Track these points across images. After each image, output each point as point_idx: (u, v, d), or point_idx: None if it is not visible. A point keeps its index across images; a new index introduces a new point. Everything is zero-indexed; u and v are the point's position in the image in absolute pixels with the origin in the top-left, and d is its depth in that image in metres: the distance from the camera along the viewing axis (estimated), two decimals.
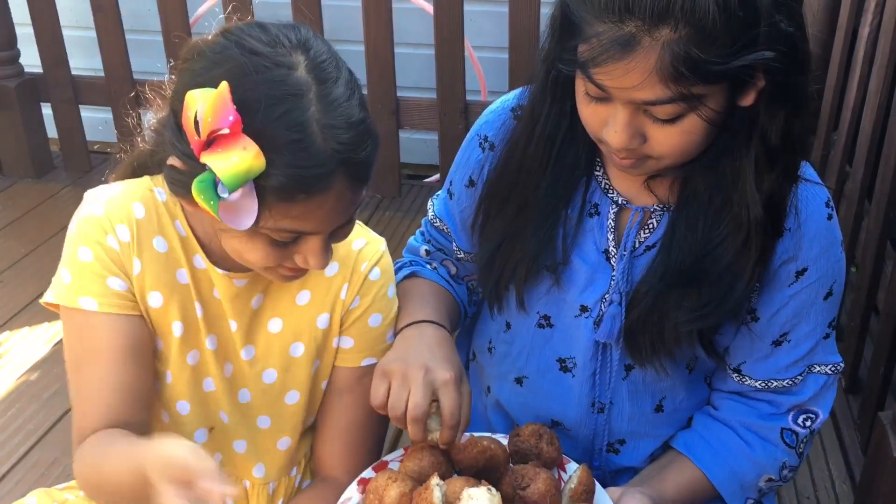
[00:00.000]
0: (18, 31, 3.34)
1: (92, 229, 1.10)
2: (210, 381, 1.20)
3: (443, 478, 1.07)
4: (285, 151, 0.95)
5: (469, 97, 3.13)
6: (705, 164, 1.08)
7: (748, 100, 1.02)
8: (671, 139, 1.02)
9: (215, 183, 0.95)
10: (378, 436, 1.30)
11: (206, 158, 0.94)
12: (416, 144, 3.52)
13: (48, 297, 1.12)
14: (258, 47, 0.98)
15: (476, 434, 1.22)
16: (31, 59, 3.38)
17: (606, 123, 1.03)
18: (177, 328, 1.15)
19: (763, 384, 1.22)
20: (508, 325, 1.30)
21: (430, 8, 3.11)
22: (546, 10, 2.85)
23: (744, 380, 1.23)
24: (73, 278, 1.10)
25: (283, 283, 1.16)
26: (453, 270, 1.38)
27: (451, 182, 1.33)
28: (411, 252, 1.41)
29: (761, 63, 0.96)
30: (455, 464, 1.13)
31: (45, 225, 3.06)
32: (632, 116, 1.01)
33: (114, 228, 1.10)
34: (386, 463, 1.20)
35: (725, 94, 0.99)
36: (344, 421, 1.26)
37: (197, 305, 1.16)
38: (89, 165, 3.46)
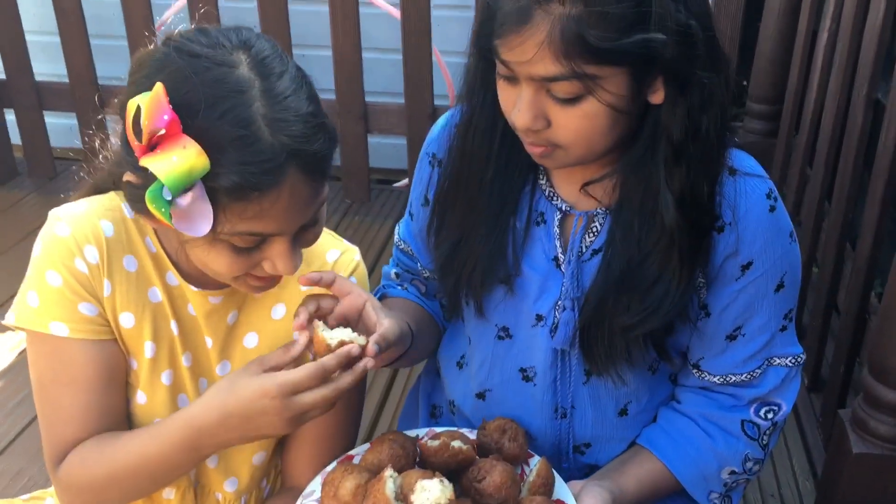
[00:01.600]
0: None
1: (59, 251, 1.07)
2: (184, 397, 1.18)
3: (401, 470, 1.07)
4: (231, 149, 0.93)
5: (437, 101, 3.14)
6: (632, 165, 1.09)
7: (657, 97, 1.03)
8: (573, 123, 1.02)
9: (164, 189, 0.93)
10: (347, 444, 1.29)
11: (147, 162, 0.92)
12: (385, 149, 3.53)
13: (12, 321, 1.09)
14: (198, 50, 0.97)
15: (448, 429, 1.22)
16: None
17: (514, 106, 1.04)
18: (148, 348, 1.13)
19: (722, 379, 1.23)
20: (470, 340, 1.31)
21: (396, 13, 3.12)
22: None
23: (703, 375, 1.24)
24: (41, 302, 1.07)
25: (256, 294, 1.14)
26: (423, 289, 1.39)
27: (410, 203, 1.35)
28: (385, 277, 1.43)
29: (657, 50, 0.97)
30: (428, 466, 1.13)
31: (9, 232, 3.02)
32: (534, 95, 1.01)
33: (81, 250, 1.07)
34: (351, 457, 1.20)
35: (627, 81, 1.00)
36: (314, 430, 1.24)
37: (173, 324, 1.14)
38: (54, 172, 3.42)
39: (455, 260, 1.23)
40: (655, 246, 1.10)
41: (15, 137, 3.44)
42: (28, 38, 3.27)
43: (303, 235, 1.05)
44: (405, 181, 3.48)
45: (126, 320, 1.11)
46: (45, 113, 3.37)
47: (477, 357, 1.30)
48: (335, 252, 1.23)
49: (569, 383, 1.24)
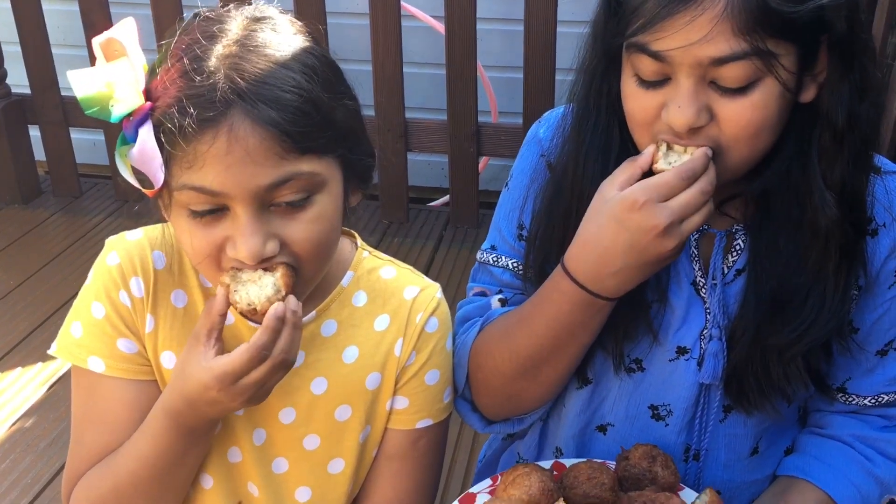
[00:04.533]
0: (5, 48, 3.19)
1: (106, 282, 1.03)
2: (236, 450, 1.08)
3: None
4: (174, 86, 0.88)
5: (480, 118, 3.01)
6: (775, 174, 1.01)
7: (809, 94, 0.97)
8: (742, 116, 0.93)
9: (125, 140, 0.90)
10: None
11: (72, 75, 0.89)
12: (420, 167, 3.40)
13: (54, 349, 1.06)
14: (211, 15, 0.94)
15: (578, 461, 1.12)
16: (18, 78, 3.23)
17: (661, 108, 0.95)
18: None
19: (873, 400, 1.13)
20: (587, 380, 1.17)
21: (440, 27, 2.99)
22: (564, 28, 2.77)
23: (850, 399, 1.14)
24: (83, 335, 1.03)
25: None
26: None
27: (520, 226, 1.19)
28: (483, 309, 1.20)
29: (829, 20, 0.91)
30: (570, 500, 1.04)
31: (34, 254, 2.89)
32: (696, 87, 0.93)
33: (128, 282, 1.03)
34: (473, 496, 1.09)
35: (795, 63, 0.93)
36: (393, 490, 1.14)
37: None
38: (79, 190, 3.29)
39: None
40: (805, 254, 1.02)
41: (37, 153, 3.32)
42: (54, 51, 3.16)
43: (278, 221, 0.91)
44: (444, 199, 3.35)
45: (167, 360, 1.04)
46: (70, 129, 3.25)
47: (600, 389, 1.17)
48: (413, 289, 1.11)
49: (706, 423, 1.14)
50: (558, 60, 2.81)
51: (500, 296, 1.21)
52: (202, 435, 1.00)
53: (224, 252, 0.92)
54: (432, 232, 3.12)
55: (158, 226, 1.07)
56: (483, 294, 1.22)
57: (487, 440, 1.41)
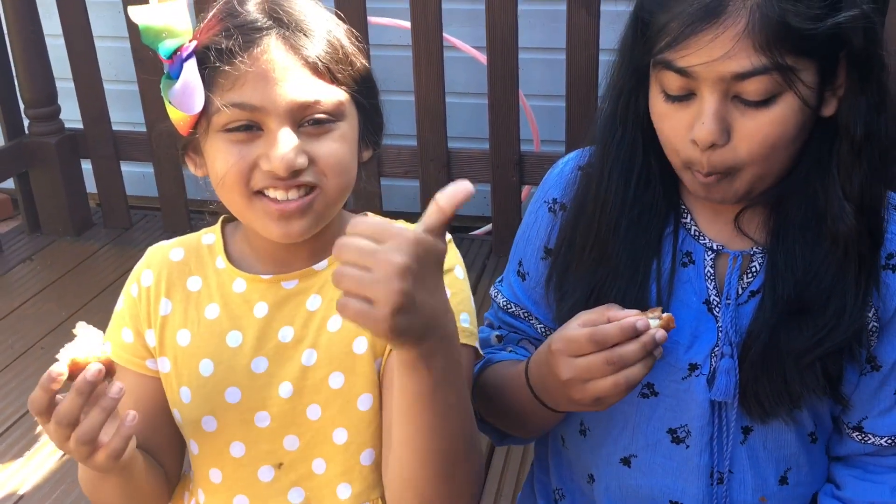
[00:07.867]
0: (59, 85, 3.28)
1: (129, 278, 1.15)
2: (265, 415, 1.08)
3: None
4: (219, 22, 1.01)
5: (523, 147, 3.02)
6: (794, 186, 1.04)
7: (830, 108, 1.01)
8: (761, 131, 0.97)
9: (169, 76, 1.00)
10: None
11: (133, 9, 0.99)
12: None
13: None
14: None
15: None
16: (70, 114, 3.32)
17: (690, 127, 0.99)
18: (205, 367, 1.09)
19: (889, 440, 1.13)
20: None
21: (482, 57, 3.01)
22: (605, 56, 2.76)
23: (866, 438, 1.13)
24: (111, 322, 1.14)
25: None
26: (533, 350, 1.25)
27: (519, 262, 1.23)
28: (482, 346, 1.22)
29: (848, 36, 0.95)
30: None
31: (86, 286, 2.95)
32: (720, 103, 0.97)
33: (139, 276, 1.13)
34: None
35: (815, 78, 0.96)
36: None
37: (234, 335, 1.09)
38: (129, 222, 3.36)
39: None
40: (825, 262, 1.04)
41: (90, 187, 3.40)
42: (105, 86, 3.24)
43: (307, 140, 1.00)
44: (485, 228, 3.35)
45: (183, 338, 1.10)
46: (120, 162, 3.33)
47: (616, 418, 1.17)
48: None
49: (726, 443, 1.13)
50: (600, 89, 2.80)
51: (497, 332, 1.25)
52: None
53: (256, 169, 1.00)
54: (475, 261, 3.12)
55: (196, 233, 1.17)
56: (491, 326, 1.28)
57: (527, 477, 1.40)
